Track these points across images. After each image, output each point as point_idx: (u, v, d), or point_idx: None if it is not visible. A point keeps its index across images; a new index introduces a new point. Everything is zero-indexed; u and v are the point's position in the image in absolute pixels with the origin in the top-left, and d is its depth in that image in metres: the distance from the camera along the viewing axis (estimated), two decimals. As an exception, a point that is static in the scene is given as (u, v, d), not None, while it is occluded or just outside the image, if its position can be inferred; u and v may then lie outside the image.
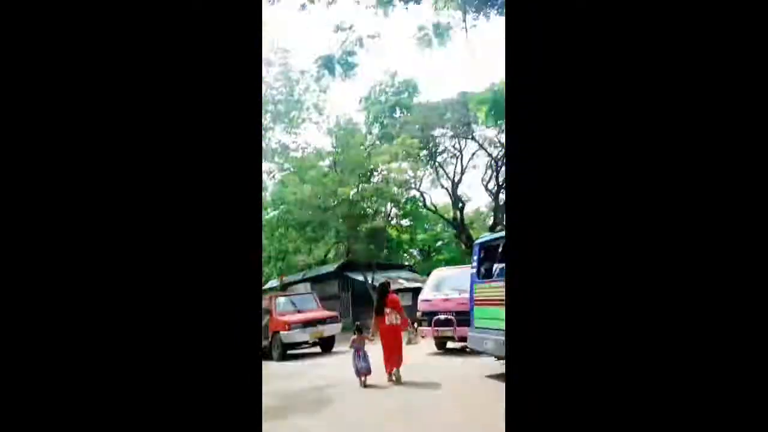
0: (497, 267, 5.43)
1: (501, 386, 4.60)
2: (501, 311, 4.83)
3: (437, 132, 17.06)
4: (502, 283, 4.98)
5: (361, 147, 14.52)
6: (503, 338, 4.72)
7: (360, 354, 5.38)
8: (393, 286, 17.01)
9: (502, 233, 5.59)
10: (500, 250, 5.49)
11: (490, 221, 19.51)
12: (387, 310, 5.46)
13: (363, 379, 5.35)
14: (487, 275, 5.57)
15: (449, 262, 16.30)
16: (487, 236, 5.96)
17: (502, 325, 4.80)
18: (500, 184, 18.39)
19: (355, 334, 5.60)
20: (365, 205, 14.69)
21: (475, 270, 5.68)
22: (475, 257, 5.83)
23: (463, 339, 7.24)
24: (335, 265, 17.04)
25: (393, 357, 5.38)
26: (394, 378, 5.34)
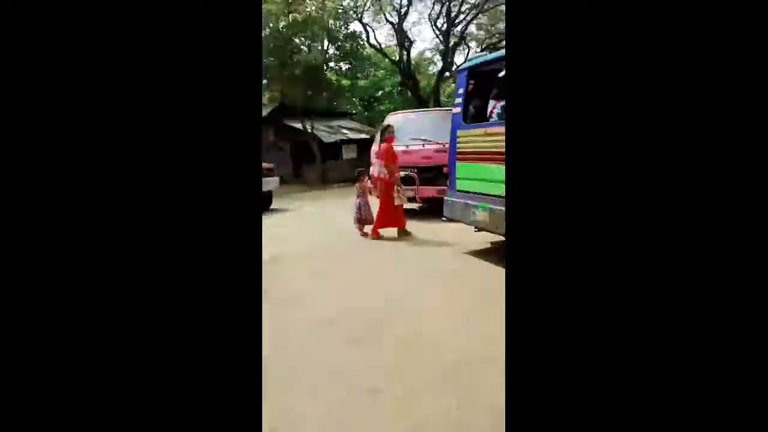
0: (496, 105, 3.68)
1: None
2: (500, 170, 3.24)
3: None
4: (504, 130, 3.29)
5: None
6: (501, 207, 3.24)
7: (360, 201, 5.02)
8: (335, 137, 15.10)
9: (500, 53, 3.69)
10: (500, 78, 3.67)
11: (438, 67, 17.32)
12: (373, 160, 5.03)
13: (362, 228, 5.02)
14: (479, 117, 3.84)
15: (393, 113, 14.32)
16: (478, 57, 4.01)
17: (502, 189, 3.25)
18: (452, 20, 15.53)
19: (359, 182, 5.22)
20: (297, 40, 12.15)
21: (460, 109, 3.90)
22: (461, 90, 3.99)
23: (426, 200, 5.88)
24: (267, 110, 14.40)
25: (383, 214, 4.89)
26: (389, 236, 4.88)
